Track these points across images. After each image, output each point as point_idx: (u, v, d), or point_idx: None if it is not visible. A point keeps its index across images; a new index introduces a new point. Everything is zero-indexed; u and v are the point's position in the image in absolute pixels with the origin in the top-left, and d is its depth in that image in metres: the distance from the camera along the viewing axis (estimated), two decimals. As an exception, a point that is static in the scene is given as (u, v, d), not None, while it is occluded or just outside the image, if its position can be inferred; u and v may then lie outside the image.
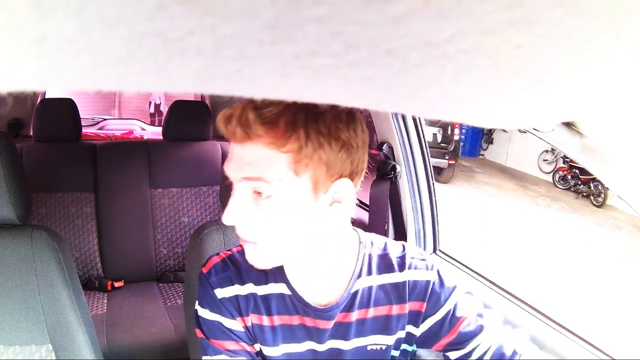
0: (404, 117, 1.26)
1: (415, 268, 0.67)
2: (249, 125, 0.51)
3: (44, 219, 1.71)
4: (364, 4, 0.11)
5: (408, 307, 0.67)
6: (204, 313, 0.67)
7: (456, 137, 6.92)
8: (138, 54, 0.13)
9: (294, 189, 0.54)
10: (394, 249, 0.69)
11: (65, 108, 1.81)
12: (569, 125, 0.58)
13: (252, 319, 0.67)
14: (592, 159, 0.59)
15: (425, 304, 0.67)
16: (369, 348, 0.68)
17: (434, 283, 0.67)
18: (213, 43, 0.12)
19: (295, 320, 0.66)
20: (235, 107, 0.53)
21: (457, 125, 6.69)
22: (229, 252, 0.70)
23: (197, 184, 1.88)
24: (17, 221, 0.89)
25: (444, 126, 6.66)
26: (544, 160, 8.08)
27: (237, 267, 0.67)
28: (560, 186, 7.50)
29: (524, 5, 0.11)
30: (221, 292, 0.66)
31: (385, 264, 0.68)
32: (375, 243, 0.70)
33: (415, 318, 0.67)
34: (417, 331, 0.68)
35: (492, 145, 9.77)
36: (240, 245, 0.71)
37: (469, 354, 0.66)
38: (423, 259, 0.69)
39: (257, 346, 0.69)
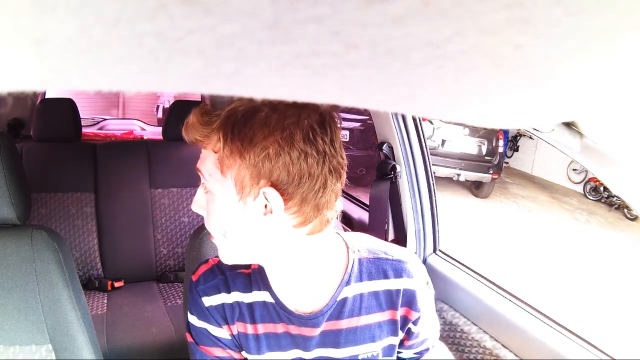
0: (404, 117, 1.26)
1: (409, 276, 0.67)
2: (192, 126, 0.57)
3: (44, 219, 1.71)
4: (364, 4, 0.11)
5: (399, 313, 0.67)
6: (192, 319, 0.68)
7: (500, 149, 6.23)
8: (138, 54, 0.13)
9: (222, 188, 0.56)
10: (387, 252, 0.68)
11: (65, 108, 1.81)
12: (569, 125, 0.58)
13: (237, 327, 0.67)
14: (592, 159, 0.59)
15: (412, 311, 0.68)
16: (360, 357, 0.67)
17: (417, 291, 0.68)
18: (213, 43, 0.12)
19: (279, 328, 0.66)
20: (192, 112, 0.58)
21: (501, 136, 6.15)
22: (217, 260, 0.69)
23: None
24: (17, 221, 0.89)
25: (487, 137, 6.06)
26: (574, 170, 7.69)
27: (224, 275, 0.67)
28: (591, 197, 7.14)
29: (524, 5, 0.11)
30: (208, 301, 0.66)
31: (376, 270, 0.66)
32: (364, 246, 0.68)
33: (404, 323, 0.68)
34: (401, 334, 0.70)
35: (517, 153, 9.36)
36: None
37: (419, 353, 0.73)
38: (416, 266, 0.68)
39: (244, 354, 0.69)
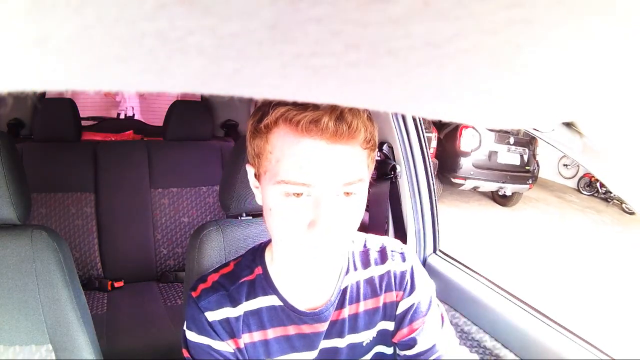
0: (404, 117, 1.26)
1: (394, 259, 0.71)
2: (348, 120, 0.49)
3: (44, 219, 1.71)
4: (364, 4, 0.11)
5: (395, 295, 0.70)
6: (191, 336, 0.66)
7: (538, 157, 5.69)
8: (138, 54, 0.13)
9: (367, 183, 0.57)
10: (373, 244, 0.72)
11: (65, 108, 1.81)
12: (569, 125, 0.58)
13: (244, 340, 0.66)
14: (592, 159, 0.59)
15: (402, 292, 0.70)
16: (364, 344, 0.68)
17: (410, 273, 0.71)
18: (213, 43, 0.12)
19: (290, 330, 0.66)
20: (308, 105, 0.48)
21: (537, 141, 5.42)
22: (216, 277, 0.68)
23: (197, 184, 1.88)
24: (17, 221, 0.89)
25: (527, 144, 5.49)
26: (564, 165, 7.68)
27: (226, 290, 0.66)
28: (586, 192, 7.21)
29: (524, 5, 0.11)
30: (212, 315, 0.65)
31: (367, 260, 0.70)
32: (355, 241, 0.72)
33: (397, 307, 0.71)
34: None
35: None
36: (230, 264, 0.69)
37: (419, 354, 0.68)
38: (401, 252, 0.72)
39: None
